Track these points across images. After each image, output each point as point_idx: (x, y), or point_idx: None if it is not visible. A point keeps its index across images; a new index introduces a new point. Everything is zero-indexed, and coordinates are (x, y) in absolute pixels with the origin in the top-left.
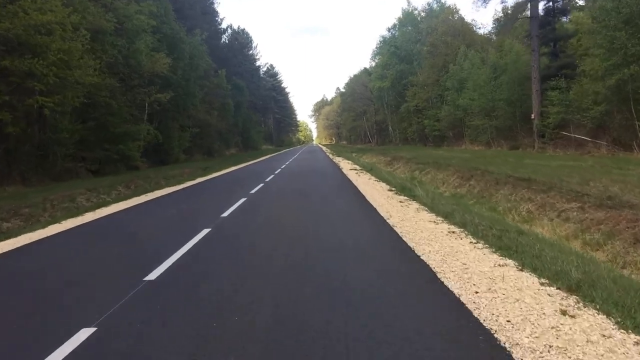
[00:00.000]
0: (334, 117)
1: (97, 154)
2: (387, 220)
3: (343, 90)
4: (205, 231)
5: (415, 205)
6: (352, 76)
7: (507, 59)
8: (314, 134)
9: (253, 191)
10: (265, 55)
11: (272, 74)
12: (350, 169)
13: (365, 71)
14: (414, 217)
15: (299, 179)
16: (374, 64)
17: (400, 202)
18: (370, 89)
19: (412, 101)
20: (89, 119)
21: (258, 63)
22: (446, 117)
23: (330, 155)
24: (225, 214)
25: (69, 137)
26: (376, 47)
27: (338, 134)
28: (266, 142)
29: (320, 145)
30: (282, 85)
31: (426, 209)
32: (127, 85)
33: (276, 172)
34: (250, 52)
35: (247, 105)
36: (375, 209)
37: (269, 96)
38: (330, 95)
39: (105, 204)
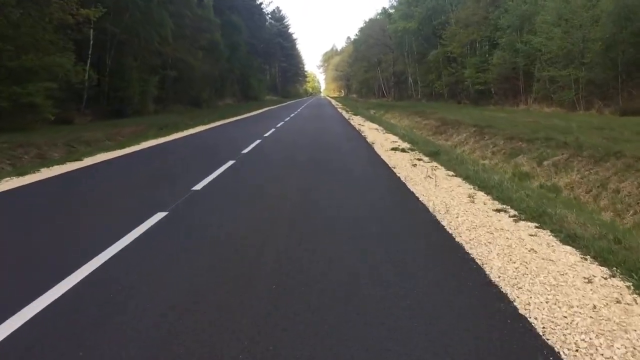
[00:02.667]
0: (343, 68)
1: None
2: None
3: (356, 36)
4: None
5: None
6: (367, 20)
7: None
8: (322, 86)
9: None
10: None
11: (278, 17)
12: (392, 148)
13: (385, 13)
14: None
15: (282, 185)
16: (395, 2)
17: None
18: (390, 34)
19: (450, 45)
20: None
21: (260, 0)
22: (498, 65)
23: (344, 112)
24: None
25: None
26: None
27: (347, 87)
28: (270, 92)
29: (328, 98)
30: (290, 31)
31: None
32: None
33: (244, 152)
34: None
35: (248, 49)
36: None
37: (275, 42)
38: (340, 45)
39: None
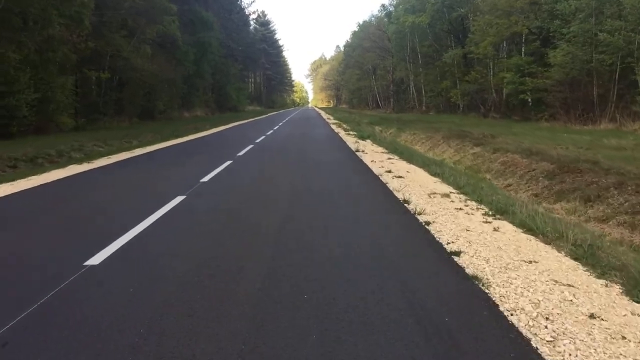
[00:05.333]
0: (333, 77)
1: None
2: None
3: (349, 40)
4: None
5: None
6: (360, 23)
7: None
8: (310, 96)
9: None
10: (257, 4)
11: (263, 22)
12: None
13: (384, 11)
14: None
15: None
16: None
17: None
18: (389, 36)
19: (481, 41)
20: None
21: (241, 0)
22: (564, 66)
23: (341, 132)
24: None
25: None
26: None
27: (337, 97)
28: (254, 102)
29: (317, 109)
30: (275, 36)
31: None
32: None
33: None
34: None
35: (224, 52)
36: None
37: (258, 48)
38: (329, 53)
39: None
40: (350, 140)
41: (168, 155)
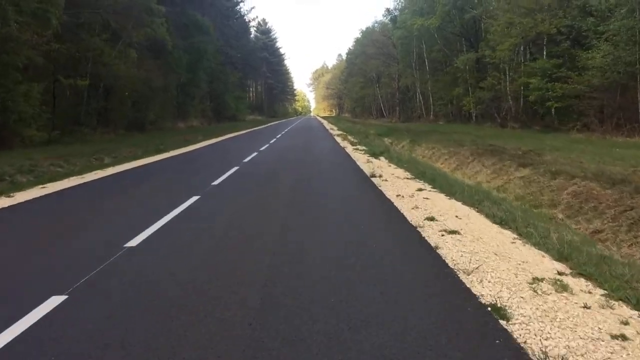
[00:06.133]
0: (335, 85)
1: None
2: None
3: (351, 48)
4: None
5: None
6: (363, 29)
7: None
8: (312, 105)
9: None
10: (258, 11)
11: (264, 30)
12: None
13: (388, 15)
14: None
15: None
16: (401, 4)
17: None
18: (394, 42)
19: (500, 44)
20: None
21: (241, 6)
22: (603, 68)
23: (348, 147)
24: None
25: None
26: None
27: (339, 105)
28: (254, 111)
29: (319, 118)
30: (277, 45)
31: None
32: None
33: None
34: None
35: (222, 59)
36: None
37: (259, 56)
38: (331, 62)
39: None
40: (361, 159)
41: (122, 183)
